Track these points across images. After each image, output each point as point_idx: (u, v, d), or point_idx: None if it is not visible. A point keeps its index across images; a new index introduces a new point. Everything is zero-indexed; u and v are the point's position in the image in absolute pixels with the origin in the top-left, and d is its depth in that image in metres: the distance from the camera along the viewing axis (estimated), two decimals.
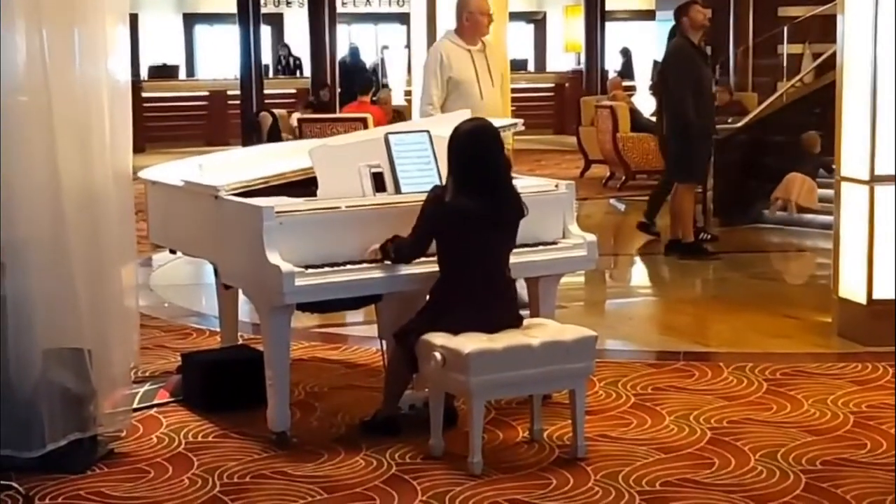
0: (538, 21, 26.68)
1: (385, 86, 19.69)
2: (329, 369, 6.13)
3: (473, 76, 6.98)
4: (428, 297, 4.88)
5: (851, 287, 6.54)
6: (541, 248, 5.22)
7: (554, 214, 5.31)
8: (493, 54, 7.16)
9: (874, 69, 6.26)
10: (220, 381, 5.41)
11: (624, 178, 13.92)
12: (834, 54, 6.90)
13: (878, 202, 6.33)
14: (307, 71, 18.58)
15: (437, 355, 4.58)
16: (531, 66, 25.39)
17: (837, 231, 6.67)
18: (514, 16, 18.01)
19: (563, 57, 25.46)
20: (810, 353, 6.33)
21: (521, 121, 6.03)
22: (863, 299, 6.44)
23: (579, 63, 23.08)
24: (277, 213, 4.73)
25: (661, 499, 4.32)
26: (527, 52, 25.81)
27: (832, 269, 6.75)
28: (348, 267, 4.79)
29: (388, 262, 4.79)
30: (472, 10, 7.02)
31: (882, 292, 6.38)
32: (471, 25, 7.03)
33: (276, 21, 24.85)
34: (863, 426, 5.10)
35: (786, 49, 13.60)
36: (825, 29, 11.92)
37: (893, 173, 6.32)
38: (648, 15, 23.06)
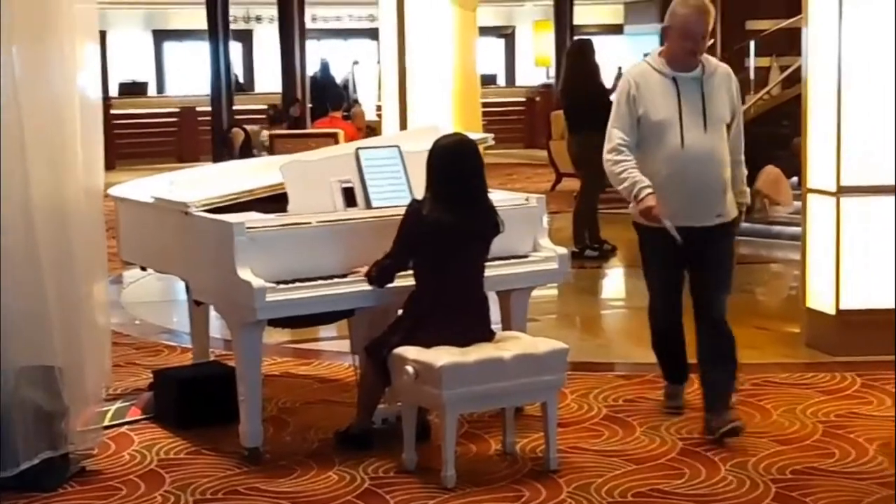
0: (508, 35, 26.77)
1: (356, 101, 19.71)
2: (302, 384, 6.13)
3: (675, 114, 5.03)
4: (401, 310, 4.89)
5: (819, 298, 6.59)
6: (512, 261, 5.25)
7: (525, 228, 5.34)
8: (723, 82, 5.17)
9: (839, 82, 6.33)
10: (192, 398, 5.41)
11: None
12: (800, 67, 6.97)
13: (844, 213, 6.40)
14: (277, 87, 18.55)
15: (410, 369, 4.59)
16: (501, 81, 25.46)
17: (805, 242, 6.73)
18: (484, 31, 18.07)
19: (534, 71, 25.55)
20: (779, 364, 6.38)
21: (491, 135, 6.06)
22: (831, 310, 6.49)
23: (549, 77, 23.16)
24: (248, 228, 4.74)
25: None
26: (497, 67, 25.88)
27: (801, 281, 6.80)
28: (320, 282, 4.81)
29: (373, 285, 4.81)
30: (674, 23, 5.07)
31: (850, 303, 6.43)
32: (671, 43, 5.11)
33: (246, 37, 24.83)
34: (831, 435, 5.15)
35: (752, 62, 13.70)
36: (792, 42, 12.02)
37: (859, 185, 6.39)
38: (617, 29, 23.23)
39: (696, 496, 4.47)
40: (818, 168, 6.56)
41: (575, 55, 10.19)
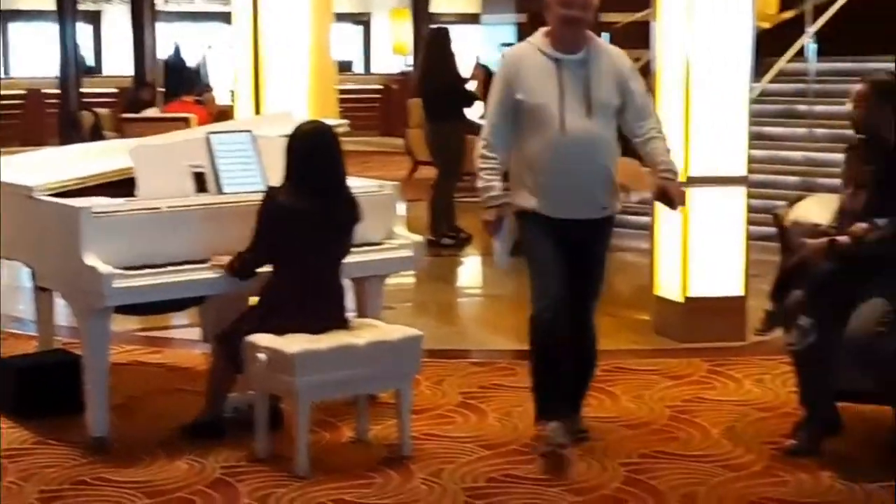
0: (364, 23, 26.70)
1: (209, 86, 19.42)
2: (151, 373, 6.02)
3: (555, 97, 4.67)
4: (258, 298, 4.83)
5: (668, 286, 6.74)
6: (366, 248, 5.23)
7: (379, 215, 5.32)
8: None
9: (687, 74, 6.47)
10: (36, 387, 5.26)
11: None
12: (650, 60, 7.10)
13: (692, 204, 6.53)
14: (127, 70, 18.17)
15: (262, 356, 4.54)
16: (358, 68, 25.38)
17: (654, 232, 6.86)
18: (340, 17, 17.93)
19: (391, 59, 25.53)
20: (629, 350, 6.50)
21: (346, 122, 6.02)
22: (679, 298, 6.64)
23: (407, 65, 23.18)
24: (95, 213, 4.62)
25: (485, 494, 4.38)
26: (353, 54, 25.79)
27: (650, 269, 6.94)
28: (170, 269, 4.72)
29: (236, 277, 4.75)
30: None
31: (697, 291, 6.59)
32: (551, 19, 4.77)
33: (95, 19, 24.23)
34: (678, 419, 5.26)
35: None
36: (644, 35, 12.27)
37: (708, 175, 6.54)
38: (474, 19, 23.34)
39: (546, 480, 4.51)
40: None
41: (432, 44, 10.22)
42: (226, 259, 4.74)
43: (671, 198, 4.75)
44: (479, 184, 4.75)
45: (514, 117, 4.72)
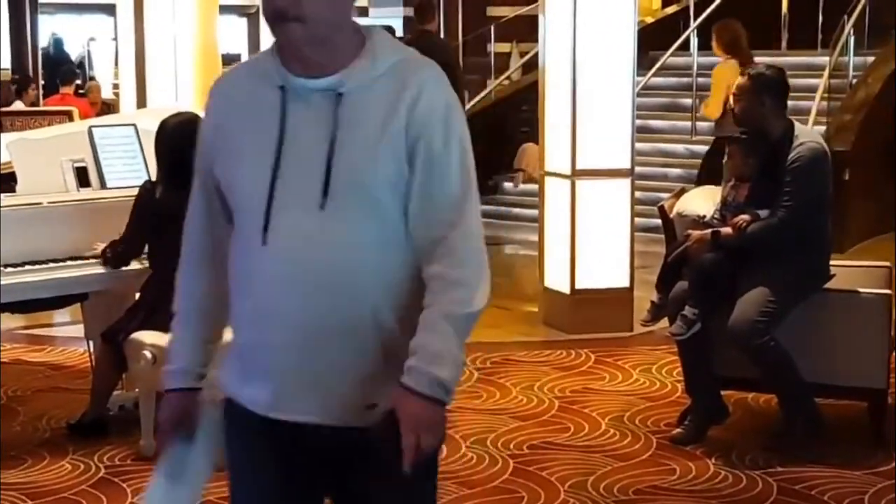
0: (251, 15, 26.44)
1: (92, 78, 19.04)
2: (33, 371, 5.88)
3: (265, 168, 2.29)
4: (138, 295, 4.75)
5: (556, 278, 6.79)
6: None
7: None
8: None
9: (574, 68, 6.51)
10: None
11: None
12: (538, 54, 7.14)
13: (579, 196, 6.60)
14: (4, 62, 17.72)
15: (148, 354, 4.47)
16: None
17: (542, 224, 6.91)
18: (226, 9, 17.73)
19: None
20: (519, 342, 6.54)
21: None
22: (566, 289, 6.69)
23: None
24: None
25: None
26: (240, 47, 25.53)
27: (538, 261, 6.99)
28: (51, 265, 4.62)
29: (108, 266, 4.66)
30: None
31: (584, 283, 6.65)
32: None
33: None
34: (566, 410, 5.31)
35: (493, 48, 13.98)
36: (532, 28, 12.38)
37: (594, 168, 6.60)
38: (362, 12, 23.27)
39: (438, 473, 4.50)
40: (554, 152, 6.75)
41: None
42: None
43: (397, 430, 2.10)
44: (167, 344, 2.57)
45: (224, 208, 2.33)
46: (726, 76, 7.49)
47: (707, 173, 7.37)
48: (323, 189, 2.13)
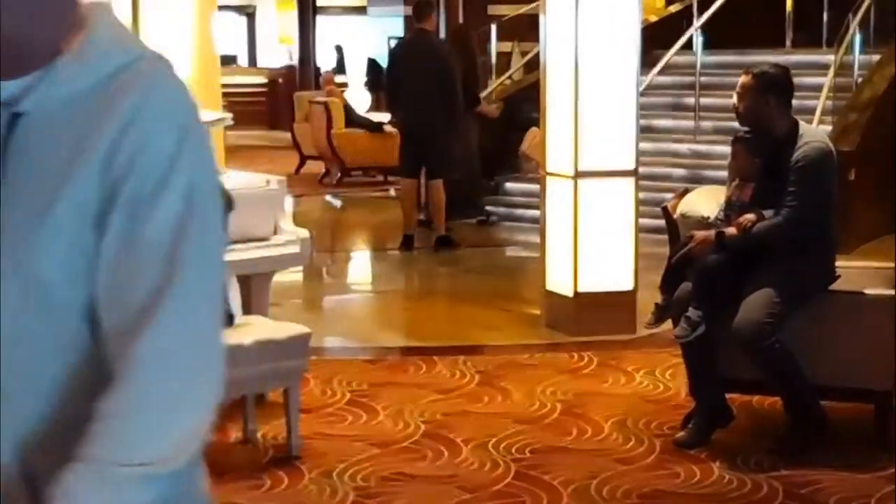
0: (250, 14, 26.38)
1: None
2: None
3: None
4: None
5: (558, 280, 6.73)
6: (252, 245, 5.12)
7: (265, 211, 5.22)
8: None
9: (576, 68, 6.45)
10: None
11: (339, 174, 13.96)
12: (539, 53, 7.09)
13: (582, 197, 6.54)
14: None
15: None
16: (243, 61, 25.08)
17: (544, 225, 6.85)
18: (224, 8, 17.69)
19: (276, 51, 25.26)
20: (520, 345, 6.48)
21: (230, 115, 5.90)
22: (569, 292, 6.63)
23: (292, 59, 22.97)
24: None
25: (376, 493, 4.31)
26: (238, 47, 25.46)
27: (540, 263, 6.93)
28: None
29: None
30: None
31: (587, 285, 6.59)
32: None
33: None
34: (569, 413, 5.25)
35: (494, 46, 13.92)
36: (533, 27, 12.33)
37: (597, 169, 6.54)
38: (360, 11, 23.22)
39: (438, 478, 4.47)
40: (557, 152, 6.69)
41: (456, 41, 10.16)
42: None
43: None
44: None
45: None
46: None
47: None
48: None
